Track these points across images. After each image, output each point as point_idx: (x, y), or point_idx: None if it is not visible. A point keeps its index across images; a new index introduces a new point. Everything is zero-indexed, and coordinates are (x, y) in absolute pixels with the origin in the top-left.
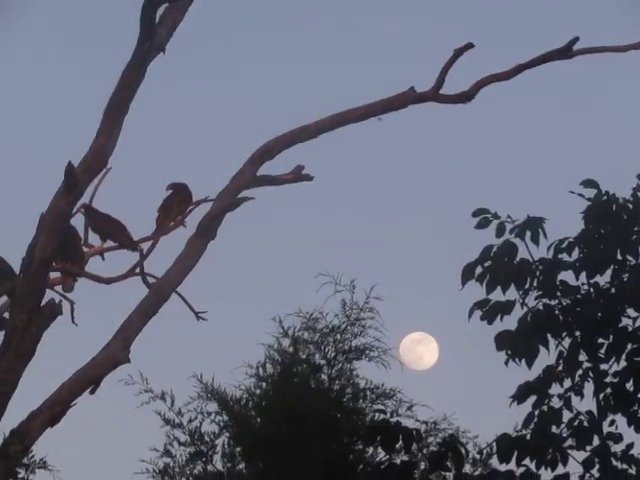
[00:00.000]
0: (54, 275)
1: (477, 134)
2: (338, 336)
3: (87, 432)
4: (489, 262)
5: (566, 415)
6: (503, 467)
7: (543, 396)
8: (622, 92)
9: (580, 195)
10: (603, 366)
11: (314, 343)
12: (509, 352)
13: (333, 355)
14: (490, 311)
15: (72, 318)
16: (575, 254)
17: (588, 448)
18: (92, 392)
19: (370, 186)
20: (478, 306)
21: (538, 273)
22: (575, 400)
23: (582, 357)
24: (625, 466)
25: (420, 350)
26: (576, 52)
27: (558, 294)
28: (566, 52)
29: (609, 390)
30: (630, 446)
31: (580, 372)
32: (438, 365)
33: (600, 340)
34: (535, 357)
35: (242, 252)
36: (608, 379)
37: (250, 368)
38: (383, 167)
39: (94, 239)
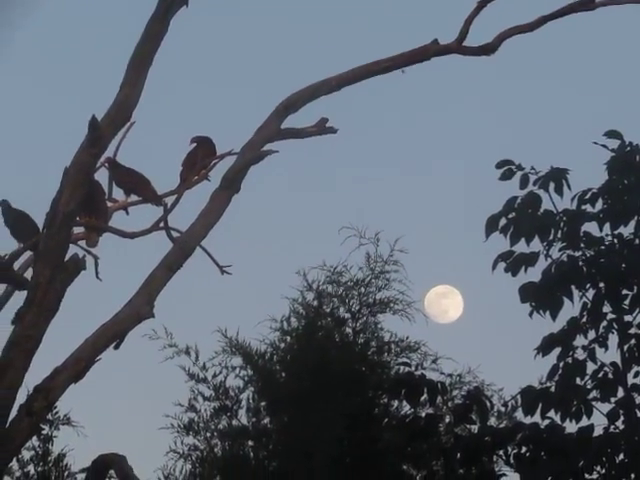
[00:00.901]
0: (78, 230)
1: (500, 86)
2: (362, 289)
3: (111, 387)
4: (513, 214)
5: (590, 367)
6: (528, 419)
7: (567, 348)
8: None
9: (604, 146)
10: (627, 317)
11: (338, 296)
12: (533, 304)
13: (357, 308)
14: (514, 263)
15: (96, 273)
16: (599, 205)
17: (612, 400)
18: (116, 347)
19: (394, 138)
20: (502, 258)
21: (562, 224)
22: (599, 352)
23: (606, 308)
24: None
25: (445, 303)
26: (598, 4)
27: (582, 245)
28: (588, 4)
29: (633, 341)
30: None
31: (604, 324)
32: (463, 318)
33: (624, 291)
34: (559, 309)
35: (266, 205)
36: (632, 330)
37: (274, 322)
38: (406, 119)
39: (118, 193)
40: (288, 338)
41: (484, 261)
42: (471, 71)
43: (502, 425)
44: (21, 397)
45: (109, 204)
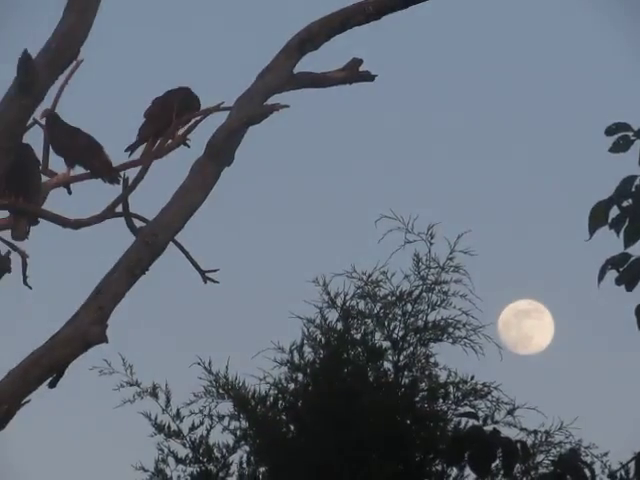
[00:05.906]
0: (0, 215)
1: None
2: (409, 307)
3: (45, 438)
4: (629, 201)
5: None
6: None
7: None
8: None
9: None
10: None
11: (374, 317)
12: None
13: (401, 334)
14: (630, 271)
15: (24, 278)
16: None
17: None
18: (52, 385)
19: (457, 88)
20: (612, 264)
21: None
22: None
23: None
24: None
25: (528, 326)
26: None
27: None
28: None
29: None
30: None
31: None
32: (553, 348)
33: None
34: None
35: (268, 182)
36: None
37: (281, 352)
38: (476, 63)
39: (57, 163)
40: (300, 376)
41: (586, 268)
42: None
43: None
44: None
45: (44, 179)
